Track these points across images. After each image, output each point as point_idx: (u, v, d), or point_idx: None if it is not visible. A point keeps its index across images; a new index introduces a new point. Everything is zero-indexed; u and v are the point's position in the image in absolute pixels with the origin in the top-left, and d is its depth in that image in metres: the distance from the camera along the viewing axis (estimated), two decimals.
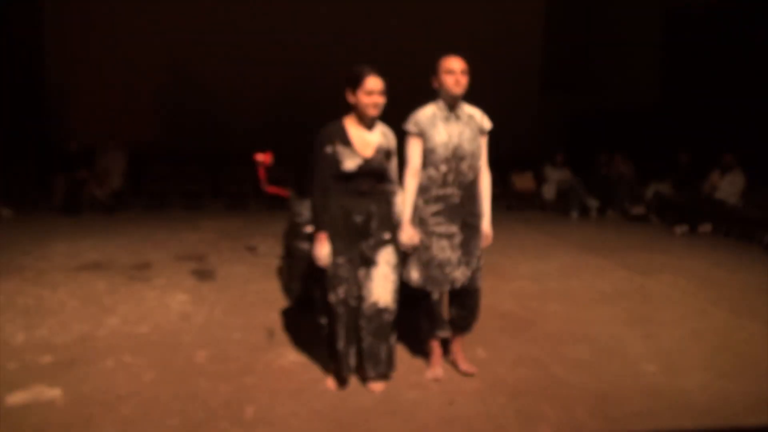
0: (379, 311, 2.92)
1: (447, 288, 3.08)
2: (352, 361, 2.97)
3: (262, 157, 5.26)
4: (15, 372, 3.06)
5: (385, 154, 2.93)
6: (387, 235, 2.95)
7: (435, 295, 3.08)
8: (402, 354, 3.43)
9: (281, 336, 3.71)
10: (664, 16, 11.39)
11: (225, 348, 3.48)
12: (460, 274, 3.06)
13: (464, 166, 3.00)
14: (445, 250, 3.01)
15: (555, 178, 9.75)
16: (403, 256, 3.05)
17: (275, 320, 4.01)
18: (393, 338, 3.04)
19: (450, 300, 3.20)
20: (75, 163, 8.68)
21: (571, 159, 10.00)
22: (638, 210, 9.02)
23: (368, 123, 2.93)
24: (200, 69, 10.29)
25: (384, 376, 3.00)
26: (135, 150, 9.47)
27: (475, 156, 3.04)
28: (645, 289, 5.09)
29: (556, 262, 6.01)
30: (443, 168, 2.97)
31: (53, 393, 2.83)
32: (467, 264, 3.07)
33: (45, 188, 8.92)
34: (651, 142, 10.66)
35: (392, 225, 2.98)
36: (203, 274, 5.23)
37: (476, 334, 3.82)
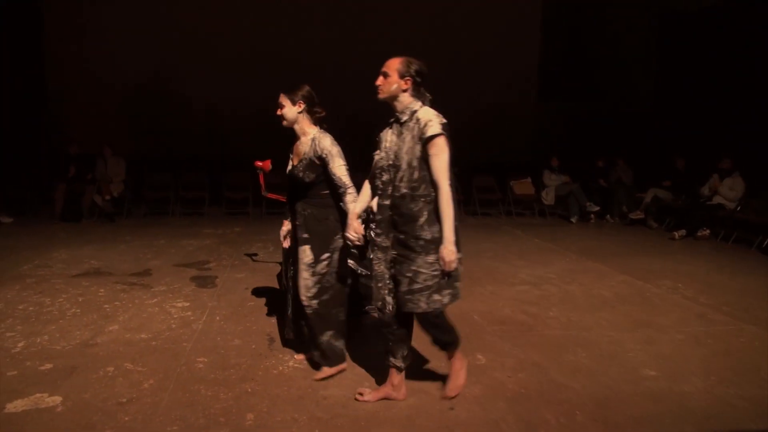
0: (301, 306, 3.17)
1: (384, 309, 2.83)
2: (290, 333, 3.51)
3: (262, 164, 5.28)
4: (15, 379, 3.06)
5: (308, 162, 3.12)
6: (305, 234, 3.14)
7: (375, 314, 2.96)
8: None
9: (281, 342, 3.71)
10: (659, 20, 11.44)
11: (225, 354, 3.48)
12: (390, 298, 2.81)
13: (398, 177, 2.71)
14: (380, 264, 2.80)
15: (554, 183, 9.77)
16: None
17: (275, 327, 4.01)
18: (328, 334, 3.17)
19: None
20: (75, 166, 8.70)
21: (569, 165, 10.03)
22: (637, 215, 9.04)
23: (298, 134, 3.24)
24: (199, 75, 10.30)
25: (325, 363, 3.22)
26: (135, 157, 9.48)
27: (411, 167, 2.68)
28: (644, 294, 5.09)
29: (556, 268, 6.02)
30: (385, 177, 2.77)
31: (53, 400, 2.83)
32: (398, 286, 2.75)
33: (45, 196, 8.93)
34: (648, 147, 10.69)
35: (314, 226, 3.14)
36: (203, 281, 5.23)
37: (476, 339, 3.83)
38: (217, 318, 4.17)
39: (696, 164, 8.83)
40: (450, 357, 3.00)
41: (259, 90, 11.19)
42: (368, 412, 2.81)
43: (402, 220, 2.70)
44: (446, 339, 2.93)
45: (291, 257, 3.37)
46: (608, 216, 9.51)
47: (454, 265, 2.64)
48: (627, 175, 9.77)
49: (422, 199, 2.67)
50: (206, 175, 9.78)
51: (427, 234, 2.65)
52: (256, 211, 9.48)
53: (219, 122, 10.64)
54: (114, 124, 10.34)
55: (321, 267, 3.13)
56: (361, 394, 2.94)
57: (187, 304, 4.52)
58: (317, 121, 3.25)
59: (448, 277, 2.68)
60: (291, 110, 3.17)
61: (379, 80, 2.74)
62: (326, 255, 3.15)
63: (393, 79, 2.70)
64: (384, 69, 2.73)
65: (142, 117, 10.55)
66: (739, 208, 7.83)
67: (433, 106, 2.81)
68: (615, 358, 3.57)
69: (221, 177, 9.87)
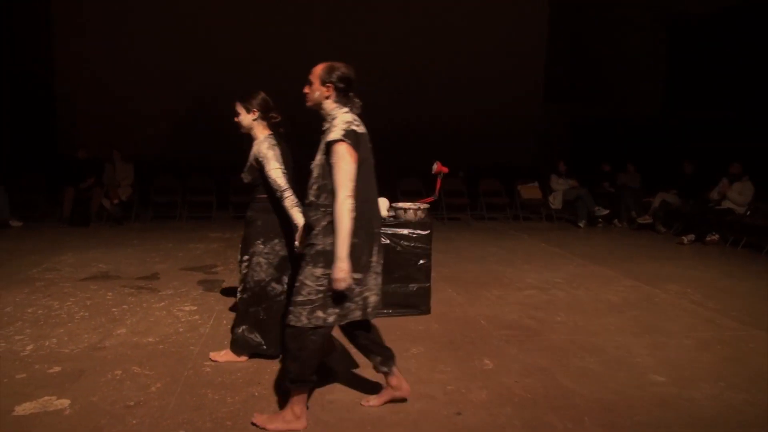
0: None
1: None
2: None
3: None
4: (24, 382, 3.08)
5: (249, 165, 3.31)
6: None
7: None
8: (409, 364, 3.43)
9: None
10: (668, 25, 11.41)
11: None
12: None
13: (309, 185, 2.65)
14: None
15: (561, 187, 9.75)
16: None
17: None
18: (242, 327, 3.40)
19: None
20: (83, 171, 8.76)
21: (576, 169, 10.00)
22: (645, 219, 9.00)
23: (254, 139, 3.39)
24: (206, 80, 10.35)
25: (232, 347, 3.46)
26: (142, 161, 9.53)
27: (318, 175, 2.60)
28: (652, 298, 5.07)
29: (563, 272, 6.00)
30: (311, 184, 2.67)
31: (62, 403, 2.84)
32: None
33: (54, 199, 8.98)
34: (655, 151, 10.65)
35: (245, 227, 3.37)
36: (210, 285, 5.25)
37: (482, 344, 3.83)
38: (224, 322, 4.18)
39: (705, 169, 8.79)
40: (288, 394, 2.69)
41: (265, 92, 11.30)
42: (374, 416, 2.80)
43: (308, 229, 2.63)
44: (296, 370, 2.59)
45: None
46: (616, 220, 9.47)
47: (343, 285, 2.46)
48: (635, 180, 9.74)
49: (321, 209, 2.56)
50: (213, 179, 9.82)
51: (319, 245, 2.53)
52: None
53: (226, 126, 10.69)
54: (121, 127, 10.40)
55: (243, 267, 3.39)
56: (367, 401, 2.93)
57: (195, 307, 4.54)
58: (273, 126, 3.38)
59: (335, 296, 2.51)
60: (246, 118, 3.34)
61: (306, 88, 2.69)
62: (246, 257, 3.36)
63: (315, 86, 2.64)
64: (309, 76, 2.67)
65: (150, 121, 10.62)
66: (748, 213, 7.78)
67: (363, 113, 2.71)
68: (622, 364, 3.55)
69: (228, 181, 9.91)
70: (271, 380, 3.18)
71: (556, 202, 9.75)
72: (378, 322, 4.19)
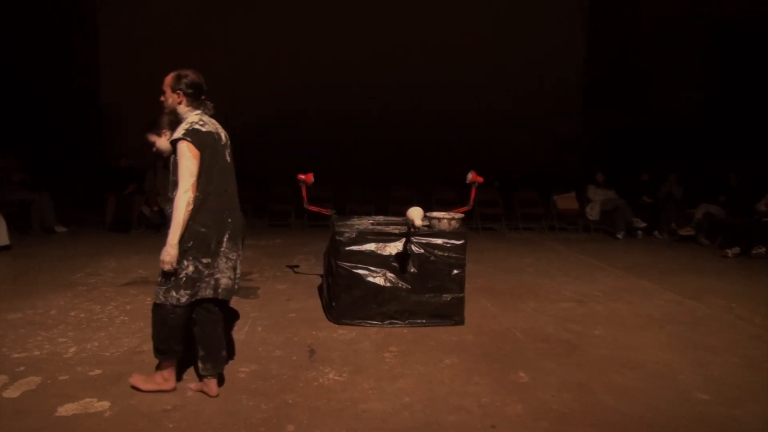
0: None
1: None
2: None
3: (304, 177, 5.36)
4: (67, 383, 3.16)
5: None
6: None
7: None
8: (442, 375, 3.39)
9: (322, 354, 3.72)
10: (711, 30, 11.11)
11: (266, 365, 3.51)
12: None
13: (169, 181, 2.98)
14: None
15: (599, 198, 9.55)
16: None
17: (315, 338, 4.03)
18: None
19: None
20: (124, 180, 9.01)
21: (614, 179, 9.80)
22: (687, 231, 8.73)
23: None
24: (244, 88, 10.55)
25: None
26: None
27: (171, 171, 2.92)
28: (695, 313, 4.90)
29: (601, 285, 5.87)
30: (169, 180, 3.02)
31: (102, 405, 2.91)
32: None
33: (97, 206, 9.27)
34: (698, 161, 10.35)
35: None
36: (245, 292, 5.31)
37: (518, 357, 3.76)
38: (259, 329, 4.22)
39: (752, 180, 8.49)
40: (157, 367, 3.08)
41: (304, 101, 11.48)
42: (407, 427, 2.78)
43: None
44: (158, 342, 2.99)
45: None
46: (656, 232, 9.22)
47: (167, 267, 2.82)
48: (677, 190, 9.48)
49: (171, 202, 2.87)
50: (249, 187, 9.97)
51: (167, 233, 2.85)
52: (298, 223, 9.59)
53: (263, 134, 10.86)
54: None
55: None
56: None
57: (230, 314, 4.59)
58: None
59: (186, 279, 2.87)
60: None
61: (161, 97, 2.99)
62: None
63: (168, 94, 2.96)
64: (162, 86, 2.97)
65: None
66: None
67: (219, 114, 3.07)
68: (664, 380, 3.44)
69: (264, 189, 10.05)
70: (305, 388, 3.19)
71: (593, 212, 9.55)
72: (411, 332, 4.18)
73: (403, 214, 4.58)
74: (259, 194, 9.96)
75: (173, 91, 2.95)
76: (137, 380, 3.08)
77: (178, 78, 2.94)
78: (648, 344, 4.08)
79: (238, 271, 3.10)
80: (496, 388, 3.26)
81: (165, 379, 3.05)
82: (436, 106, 11.11)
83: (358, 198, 10.00)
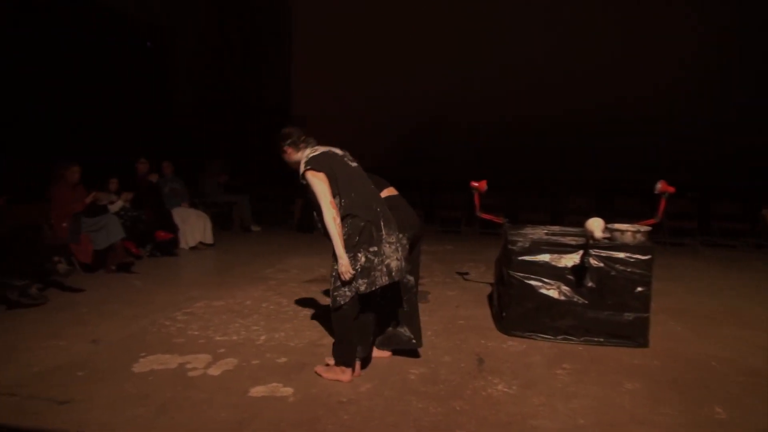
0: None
1: None
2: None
3: (477, 184, 5.34)
4: (258, 368, 3.51)
5: None
6: None
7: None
8: (623, 400, 3.13)
9: (491, 364, 3.66)
10: None
11: (436, 369, 3.55)
12: None
13: None
14: None
15: None
16: None
17: (484, 348, 3.98)
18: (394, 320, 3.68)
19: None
20: None
21: None
22: None
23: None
24: (422, 100, 10.86)
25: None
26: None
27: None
28: None
29: None
30: None
31: (287, 391, 3.17)
32: None
33: (286, 209, 10.23)
34: None
35: None
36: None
37: (714, 389, 3.34)
38: (428, 333, 4.28)
39: None
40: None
41: (472, 109, 11.48)
42: None
43: None
44: (341, 353, 3.37)
45: None
46: None
47: (347, 276, 3.14)
48: None
49: (323, 226, 3.22)
50: (421, 194, 10.21)
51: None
52: (469, 231, 9.58)
53: (436, 143, 11.08)
54: (346, 142, 11.41)
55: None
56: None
57: None
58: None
59: (347, 284, 3.18)
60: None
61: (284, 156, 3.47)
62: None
63: (284, 156, 3.44)
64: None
65: (370, 136, 11.49)
66: None
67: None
68: None
69: (435, 196, 10.23)
70: (473, 397, 3.16)
71: None
72: (587, 350, 3.94)
73: (579, 224, 4.34)
74: (429, 201, 10.17)
75: (282, 151, 3.44)
76: (320, 368, 3.43)
77: (278, 140, 3.43)
78: None
79: (401, 252, 3.33)
80: (685, 422, 2.92)
81: (343, 371, 3.34)
82: (619, 112, 10.38)
83: (530, 207, 9.71)
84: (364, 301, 3.28)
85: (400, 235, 3.39)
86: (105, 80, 8.85)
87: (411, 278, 3.68)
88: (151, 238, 7.06)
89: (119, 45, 9.16)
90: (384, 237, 3.22)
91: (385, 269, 3.19)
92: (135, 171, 7.47)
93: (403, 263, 3.33)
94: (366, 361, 3.50)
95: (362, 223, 3.17)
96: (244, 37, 11.52)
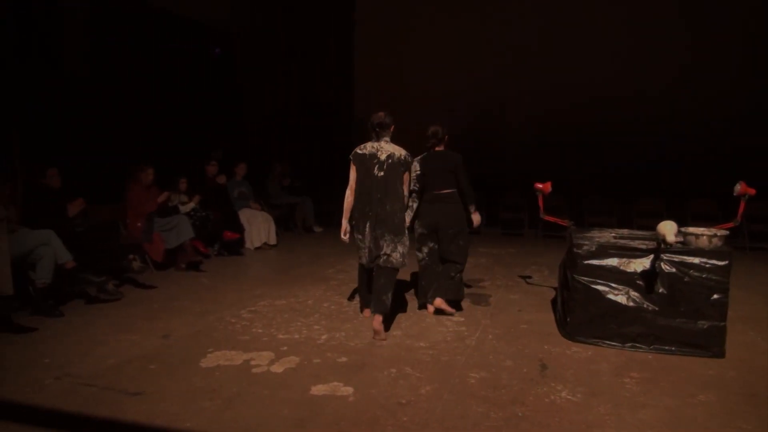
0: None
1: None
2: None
3: (542, 186, 5.22)
4: (319, 366, 3.56)
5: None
6: None
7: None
8: (695, 412, 2.98)
9: (554, 370, 3.57)
10: None
11: (497, 374, 3.49)
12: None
13: None
14: None
15: None
16: None
17: (548, 353, 3.89)
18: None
19: None
20: None
21: None
22: None
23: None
24: (490, 101, 10.77)
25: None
26: None
27: None
28: None
29: None
30: None
31: (347, 390, 3.20)
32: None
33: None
34: None
35: None
36: (477, 298, 5.37)
37: None
38: (490, 336, 4.23)
39: None
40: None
41: (539, 106, 11.24)
42: None
43: None
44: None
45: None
46: None
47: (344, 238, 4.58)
48: None
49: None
50: (482, 195, 10.07)
51: None
52: (532, 233, 9.39)
53: (498, 143, 10.94)
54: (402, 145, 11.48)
55: None
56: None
57: (462, 319, 4.69)
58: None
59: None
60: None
61: None
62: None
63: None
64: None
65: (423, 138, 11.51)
66: None
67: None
68: None
69: (497, 197, 10.07)
70: (536, 403, 3.09)
71: None
72: (657, 358, 3.78)
73: (649, 228, 4.16)
74: (492, 201, 10.02)
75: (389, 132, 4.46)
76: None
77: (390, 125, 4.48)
78: None
79: (372, 245, 4.36)
80: None
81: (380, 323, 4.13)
82: (689, 110, 9.91)
83: (596, 210, 9.41)
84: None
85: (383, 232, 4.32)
86: (179, 86, 9.24)
87: (395, 260, 4.39)
88: (218, 238, 7.32)
89: (190, 52, 9.55)
90: (367, 232, 4.33)
91: (364, 254, 4.40)
92: (204, 173, 7.75)
93: (375, 254, 4.33)
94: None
95: (353, 222, 4.42)
96: (307, 41, 11.77)
